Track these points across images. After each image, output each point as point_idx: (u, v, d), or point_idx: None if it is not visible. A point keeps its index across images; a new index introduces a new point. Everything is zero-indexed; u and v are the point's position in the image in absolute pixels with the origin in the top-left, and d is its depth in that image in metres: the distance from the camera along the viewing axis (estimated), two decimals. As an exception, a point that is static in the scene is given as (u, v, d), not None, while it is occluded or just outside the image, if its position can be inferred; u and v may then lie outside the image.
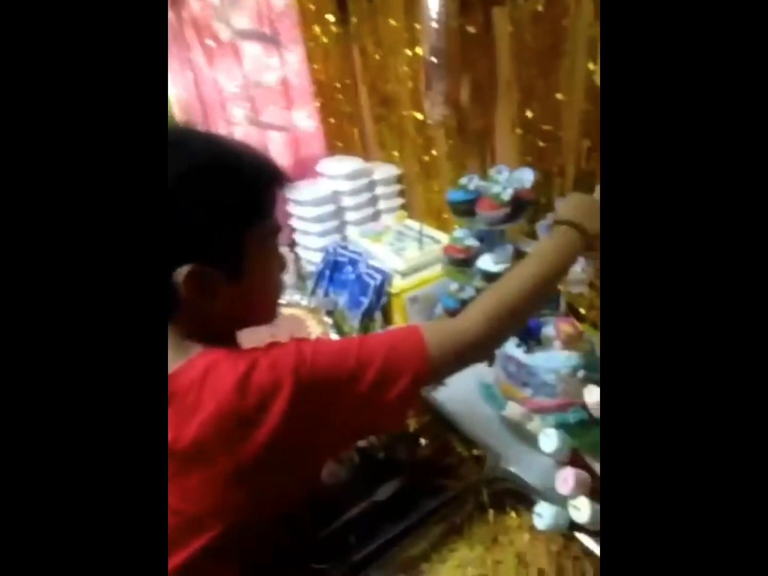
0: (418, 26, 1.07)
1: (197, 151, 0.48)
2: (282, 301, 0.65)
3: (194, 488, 0.46)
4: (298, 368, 0.46)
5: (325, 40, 1.47)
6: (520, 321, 0.60)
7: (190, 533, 0.48)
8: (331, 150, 1.62)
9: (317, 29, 1.46)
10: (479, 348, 0.54)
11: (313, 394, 0.46)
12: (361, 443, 0.72)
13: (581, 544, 0.56)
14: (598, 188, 0.70)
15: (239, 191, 0.49)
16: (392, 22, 1.17)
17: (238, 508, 0.49)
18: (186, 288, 0.46)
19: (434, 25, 0.90)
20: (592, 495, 0.46)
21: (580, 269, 0.74)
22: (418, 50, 1.08)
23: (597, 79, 0.78)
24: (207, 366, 0.46)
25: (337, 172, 1.36)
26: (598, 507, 0.45)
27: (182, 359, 0.47)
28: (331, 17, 1.40)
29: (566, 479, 0.46)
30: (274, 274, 0.57)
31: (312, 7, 1.44)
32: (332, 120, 1.59)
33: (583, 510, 0.44)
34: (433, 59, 0.93)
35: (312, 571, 0.59)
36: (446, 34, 0.91)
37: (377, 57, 1.29)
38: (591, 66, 0.80)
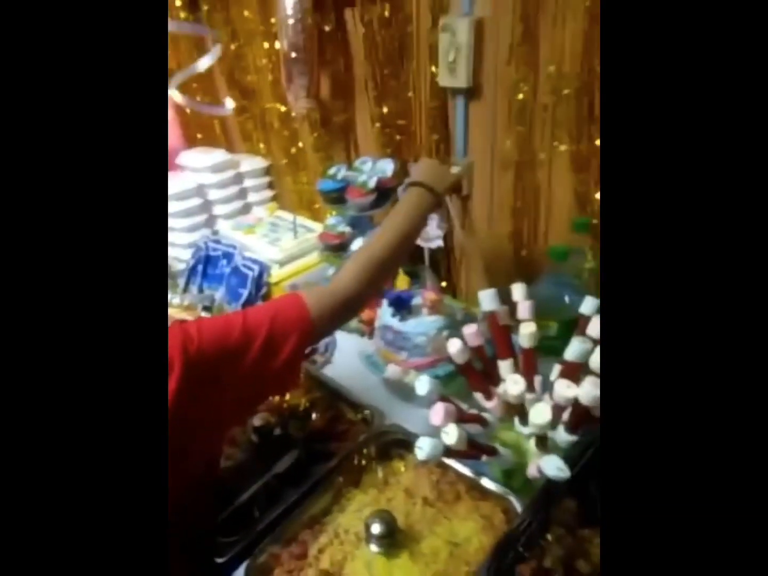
0: (273, 20, 1.10)
1: None
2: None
3: None
4: (186, 347, 0.47)
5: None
6: (387, 273, 0.66)
7: None
8: (190, 142, 1.55)
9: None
10: (353, 302, 0.60)
11: (203, 369, 0.48)
12: (257, 422, 0.75)
13: (455, 470, 0.67)
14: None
15: None
16: (247, 13, 1.18)
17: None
18: None
19: (290, 21, 0.94)
20: (457, 422, 0.56)
21: (436, 225, 0.86)
22: (277, 44, 1.10)
23: (439, 79, 0.90)
24: None
25: (201, 164, 1.32)
26: (462, 430, 0.55)
27: None
28: (178, 2, 1.34)
29: (437, 412, 0.56)
30: None
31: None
32: (188, 110, 1.52)
33: (451, 434, 0.54)
34: (293, 54, 0.97)
35: (211, 560, 0.60)
36: (303, 30, 0.95)
37: (233, 47, 1.28)
38: (433, 68, 0.92)
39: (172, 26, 1.15)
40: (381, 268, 0.61)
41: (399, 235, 0.63)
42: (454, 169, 0.77)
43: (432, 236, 0.86)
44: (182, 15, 1.35)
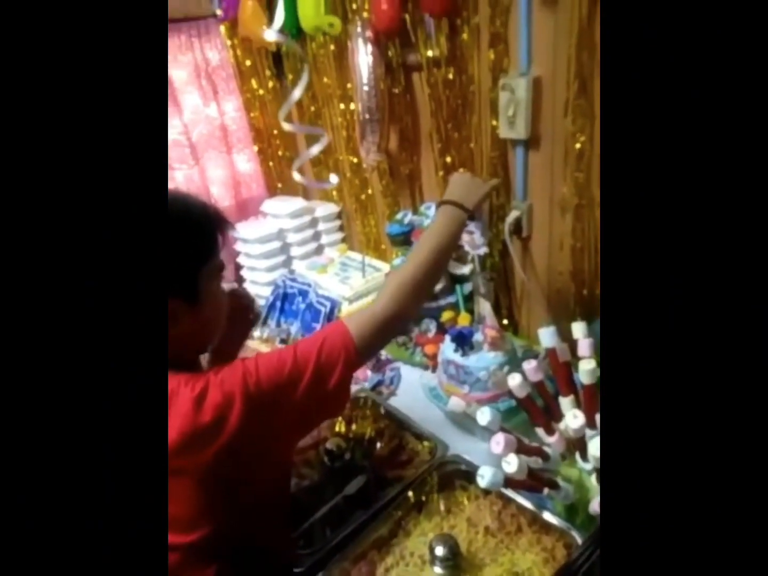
0: (349, 85, 1.24)
1: None
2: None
3: (179, 493, 0.53)
4: (246, 382, 0.54)
5: (261, 92, 1.60)
6: (424, 290, 0.68)
7: (181, 533, 0.55)
8: (271, 191, 1.73)
9: (254, 83, 1.60)
10: (393, 322, 0.62)
11: (262, 401, 0.54)
12: (330, 446, 0.81)
13: (517, 503, 0.69)
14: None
15: (196, 235, 0.59)
16: (326, 80, 1.34)
17: (221, 508, 0.57)
18: None
19: (365, 88, 1.07)
20: (517, 452, 0.59)
21: (481, 233, 0.92)
22: (351, 106, 1.24)
23: (500, 132, 0.98)
24: (171, 389, 0.53)
25: (282, 211, 1.47)
26: (523, 460, 0.58)
27: None
28: (267, 72, 1.54)
29: (498, 441, 0.59)
30: (223, 300, 0.66)
31: (248, 63, 1.57)
32: (271, 163, 1.71)
33: (512, 463, 0.57)
34: (366, 116, 1.09)
35: (289, 570, 0.65)
36: (376, 94, 1.07)
37: (312, 109, 1.44)
38: (494, 122, 0.99)
39: (293, 128, 1.41)
40: (416, 286, 0.64)
41: (431, 253, 0.66)
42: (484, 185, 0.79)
43: (478, 244, 0.92)
44: (270, 84, 1.56)
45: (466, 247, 0.96)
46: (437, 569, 0.61)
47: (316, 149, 1.34)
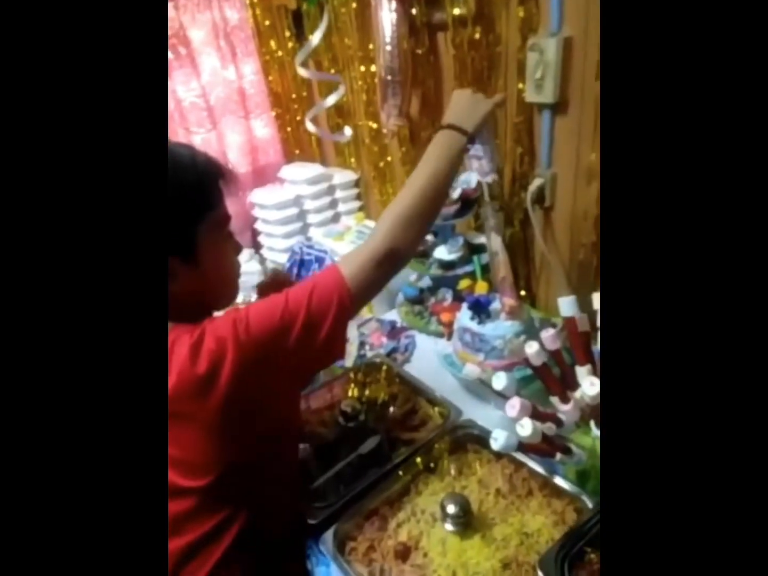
0: (371, 46, 1.21)
1: None
2: (252, 300, 0.71)
3: (186, 439, 0.55)
4: (236, 329, 0.53)
5: (280, 53, 1.57)
6: (423, 223, 0.61)
7: (194, 478, 0.57)
8: (289, 157, 1.71)
9: (273, 44, 1.56)
10: (390, 259, 0.58)
11: (254, 351, 0.53)
12: (345, 407, 0.83)
13: (529, 467, 0.70)
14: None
15: (188, 188, 0.55)
16: (347, 40, 1.30)
17: (228, 452, 0.57)
18: None
19: (388, 47, 1.03)
20: (531, 417, 0.59)
21: (489, 159, 0.84)
22: (372, 68, 1.21)
23: (526, 95, 0.94)
24: (172, 340, 0.54)
25: (299, 177, 1.46)
26: (537, 424, 0.58)
27: None
28: (287, 32, 1.50)
29: (513, 405, 0.59)
30: (228, 257, 0.64)
31: (267, 23, 1.53)
32: (289, 129, 1.69)
33: (526, 427, 0.58)
34: (388, 77, 1.06)
35: (304, 521, 0.67)
36: (399, 55, 1.04)
37: (332, 71, 1.41)
38: (520, 85, 0.96)
39: (309, 74, 1.36)
40: (413, 218, 0.59)
41: (430, 183, 0.61)
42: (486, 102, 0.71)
43: (487, 170, 0.85)
44: (290, 44, 1.52)
45: (475, 174, 0.88)
46: (448, 526, 0.62)
47: (332, 99, 1.30)
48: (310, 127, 1.41)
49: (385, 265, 0.58)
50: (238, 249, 0.65)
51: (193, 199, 0.56)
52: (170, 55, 1.49)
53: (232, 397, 0.53)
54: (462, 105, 0.69)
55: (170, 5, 1.44)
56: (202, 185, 0.57)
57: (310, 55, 1.35)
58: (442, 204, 0.66)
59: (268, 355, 0.54)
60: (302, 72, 1.34)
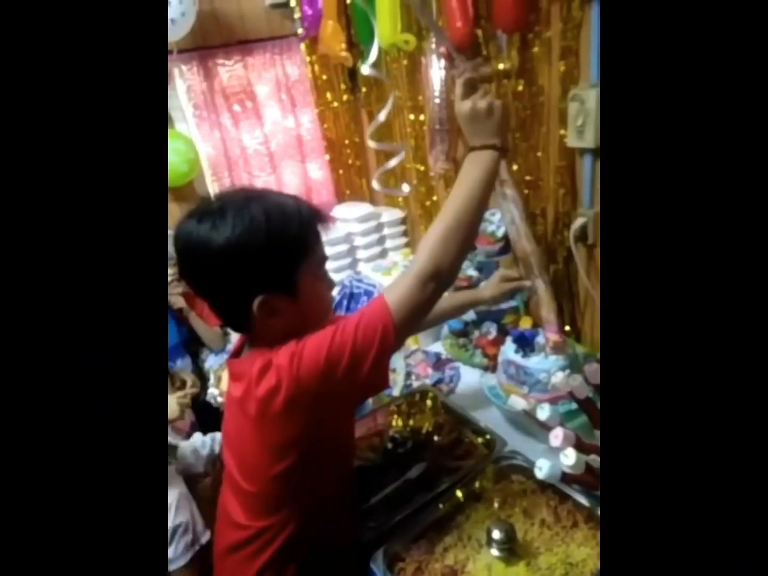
0: (420, 97, 1.31)
1: (255, 212, 0.60)
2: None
3: (268, 431, 0.62)
4: (292, 365, 0.58)
5: (335, 104, 1.71)
6: (466, 240, 0.63)
7: (250, 482, 0.65)
8: (340, 197, 1.83)
9: (329, 96, 1.71)
10: (436, 277, 0.59)
11: (305, 384, 0.58)
12: (394, 434, 0.87)
13: (574, 500, 0.71)
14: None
15: (293, 236, 0.61)
16: (398, 92, 1.41)
17: (276, 465, 0.62)
18: (259, 312, 0.60)
19: (437, 100, 1.13)
20: (576, 447, 0.62)
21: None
22: (421, 117, 1.31)
23: (567, 141, 1.00)
24: (253, 358, 0.61)
25: (350, 215, 1.56)
26: (581, 456, 0.60)
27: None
28: (342, 86, 1.65)
29: (557, 435, 0.62)
30: (324, 293, 0.71)
31: (324, 77, 1.69)
32: (341, 171, 1.81)
33: (570, 456, 0.60)
34: (437, 126, 1.15)
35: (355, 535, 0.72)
36: (446, 106, 1.13)
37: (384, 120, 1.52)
38: (562, 132, 1.01)
39: (377, 146, 1.47)
40: (452, 238, 0.61)
41: (462, 203, 0.63)
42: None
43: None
44: (345, 97, 1.66)
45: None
46: (494, 552, 0.64)
47: (394, 161, 1.41)
48: (376, 186, 1.52)
49: (429, 286, 0.59)
50: (331, 285, 0.71)
51: (297, 245, 0.61)
52: (238, 108, 1.67)
53: (283, 419, 0.60)
54: (468, 128, 0.69)
55: (240, 65, 1.62)
56: (304, 233, 0.62)
57: (377, 129, 1.44)
58: (478, 221, 0.68)
59: (318, 387, 0.59)
60: (372, 144, 1.45)
